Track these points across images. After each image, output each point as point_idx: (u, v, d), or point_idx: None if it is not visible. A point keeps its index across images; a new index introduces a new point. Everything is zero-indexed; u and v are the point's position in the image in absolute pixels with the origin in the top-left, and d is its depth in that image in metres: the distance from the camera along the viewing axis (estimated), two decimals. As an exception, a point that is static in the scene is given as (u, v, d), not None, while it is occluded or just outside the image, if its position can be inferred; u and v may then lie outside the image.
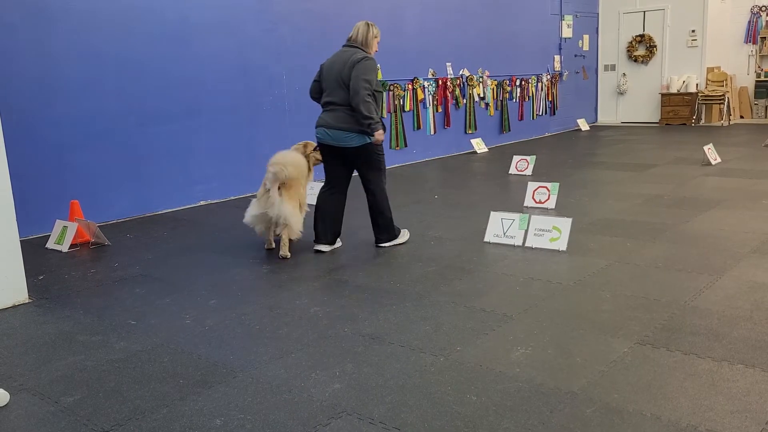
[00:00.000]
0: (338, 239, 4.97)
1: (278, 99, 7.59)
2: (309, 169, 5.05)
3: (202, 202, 6.96)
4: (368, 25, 4.77)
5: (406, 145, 9.21)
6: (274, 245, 4.98)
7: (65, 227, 5.30)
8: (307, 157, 5.00)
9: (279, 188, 4.61)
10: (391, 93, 8.86)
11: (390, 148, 9.01)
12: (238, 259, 4.74)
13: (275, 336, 3.30)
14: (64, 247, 5.20)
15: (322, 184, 4.94)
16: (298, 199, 4.74)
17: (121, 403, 2.68)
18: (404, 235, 5.02)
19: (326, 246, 4.85)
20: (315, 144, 5.01)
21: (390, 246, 4.90)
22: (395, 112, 8.97)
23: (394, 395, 2.64)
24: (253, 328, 3.42)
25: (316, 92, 4.82)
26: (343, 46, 4.78)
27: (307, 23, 7.83)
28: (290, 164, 4.62)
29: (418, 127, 9.40)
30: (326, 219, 4.82)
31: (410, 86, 9.16)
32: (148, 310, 3.79)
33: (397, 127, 9.04)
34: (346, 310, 3.62)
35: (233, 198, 7.19)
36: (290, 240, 4.76)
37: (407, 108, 9.16)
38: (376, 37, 4.77)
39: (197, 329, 3.45)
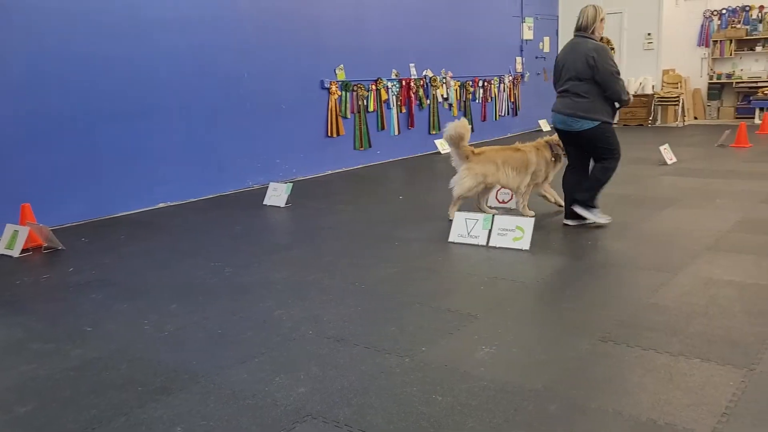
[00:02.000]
0: (596, 212, 5.12)
1: (240, 99, 7.51)
2: (556, 157, 5.53)
3: (162, 204, 6.83)
4: (595, 8, 4.97)
5: (370, 146, 9.20)
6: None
7: (16, 231, 5.13)
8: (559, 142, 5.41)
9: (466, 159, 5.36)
10: (354, 93, 8.84)
11: (354, 148, 9.00)
12: (200, 263, 4.66)
13: (238, 340, 3.25)
14: (15, 252, 5.04)
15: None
16: (473, 170, 5.36)
17: (76, 413, 2.60)
18: (600, 218, 5.10)
19: (572, 220, 5.18)
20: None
21: (581, 215, 5.06)
22: (359, 112, 8.96)
23: (359, 397, 2.62)
24: (215, 333, 3.36)
25: (555, 84, 5.21)
26: (575, 34, 5.04)
27: (269, 22, 7.75)
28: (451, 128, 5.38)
29: (382, 128, 9.40)
30: (567, 196, 5.21)
31: (374, 87, 9.16)
32: (104, 315, 3.69)
33: (361, 128, 9.02)
34: (310, 312, 3.59)
35: (194, 200, 7.07)
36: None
37: (371, 108, 9.15)
38: (603, 19, 4.97)
39: (157, 335, 3.37)
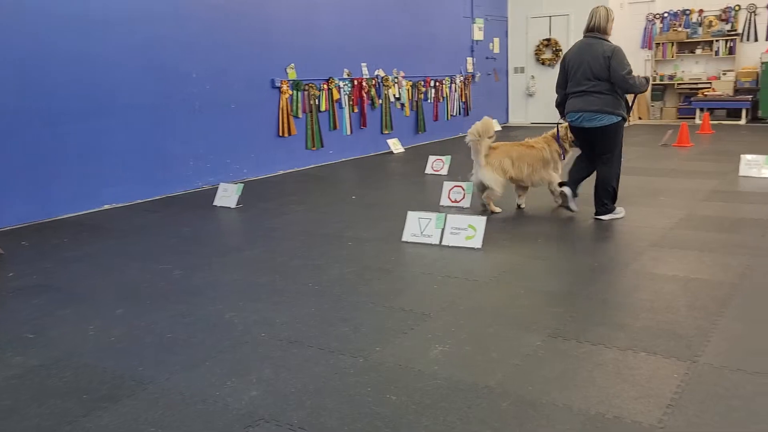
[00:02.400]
0: (575, 196, 5.50)
1: (188, 98, 7.36)
2: (566, 149, 5.76)
3: (107, 206, 6.63)
4: (607, 9, 5.21)
5: (322, 146, 9.15)
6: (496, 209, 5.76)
7: (-46, 235, 4.91)
8: (564, 137, 5.69)
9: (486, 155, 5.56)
10: (306, 93, 8.78)
11: (306, 148, 8.93)
12: (148, 266, 4.55)
13: (188, 344, 3.18)
14: (-47, 257, 4.82)
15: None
16: (493, 165, 5.58)
17: (17, 422, 2.49)
18: (620, 212, 5.38)
19: (604, 216, 5.34)
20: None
21: (608, 219, 5.31)
22: (311, 112, 8.90)
23: (313, 399, 2.59)
24: (163, 337, 3.28)
25: (561, 86, 5.38)
26: (585, 34, 5.25)
27: (219, 20, 7.62)
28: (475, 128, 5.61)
29: (335, 128, 9.36)
30: (570, 176, 5.49)
31: (325, 86, 9.11)
32: (47, 321, 3.56)
33: (312, 128, 8.96)
34: (262, 314, 3.54)
35: (141, 201, 6.89)
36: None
37: (323, 108, 9.10)
38: (613, 19, 5.23)
39: (102, 340, 3.27)
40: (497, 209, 5.74)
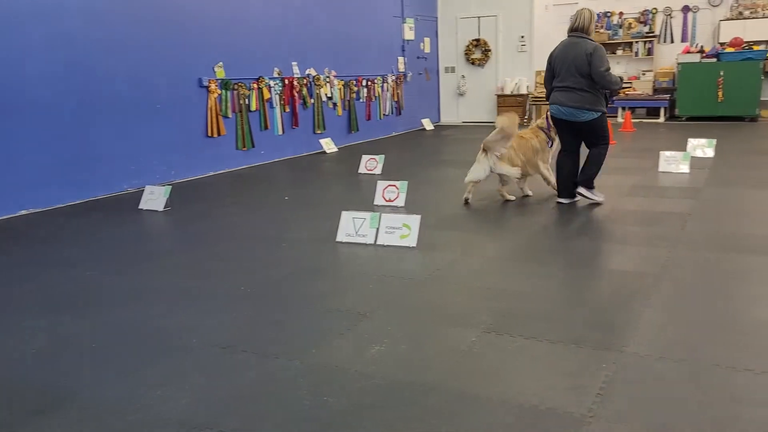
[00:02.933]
0: (576, 194, 5.78)
1: (111, 97, 7.07)
2: (552, 137, 6.09)
3: (24, 212, 6.29)
4: (590, 11, 5.61)
5: (253, 146, 9.00)
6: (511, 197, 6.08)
7: None
8: (548, 127, 6.06)
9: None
10: (235, 92, 8.61)
11: (236, 148, 8.76)
12: (70, 273, 4.35)
13: (116, 353, 3.06)
14: None
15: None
16: (507, 156, 5.85)
17: (-72, 446, 2.33)
18: (598, 197, 5.73)
19: (566, 199, 5.79)
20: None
21: (584, 195, 5.69)
22: (240, 111, 8.73)
23: (248, 405, 2.54)
24: (89, 347, 3.14)
25: (549, 81, 5.77)
26: (569, 34, 5.62)
27: (141, 17, 7.37)
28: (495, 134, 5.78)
29: (266, 128, 9.22)
30: (561, 176, 5.78)
31: (255, 85, 8.96)
32: (-39, 335, 3.34)
33: (243, 128, 8.80)
34: (194, 319, 3.44)
35: (62, 206, 6.58)
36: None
37: (253, 108, 8.95)
38: (595, 20, 5.63)
39: (24, 353, 3.10)
40: (511, 197, 6.09)
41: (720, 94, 11.66)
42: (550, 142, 6.14)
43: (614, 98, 5.66)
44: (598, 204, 5.72)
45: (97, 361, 2.98)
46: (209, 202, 6.60)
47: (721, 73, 11.64)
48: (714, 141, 8.23)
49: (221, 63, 8.40)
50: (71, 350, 3.11)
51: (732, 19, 12.47)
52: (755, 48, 11.78)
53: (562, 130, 5.78)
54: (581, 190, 5.72)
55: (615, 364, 2.76)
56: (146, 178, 7.40)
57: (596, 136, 5.63)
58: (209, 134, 8.29)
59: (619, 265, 4.12)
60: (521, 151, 5.99)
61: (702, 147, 8.17)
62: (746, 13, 12.40)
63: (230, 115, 8.58)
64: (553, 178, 6.12)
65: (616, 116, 13.01)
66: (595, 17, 5.64)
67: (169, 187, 6.39)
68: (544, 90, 5.92)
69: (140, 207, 6.31)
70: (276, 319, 3.42)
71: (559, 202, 5.84)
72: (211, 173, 8.38)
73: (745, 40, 11.97)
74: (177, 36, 7.82)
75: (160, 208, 6.20)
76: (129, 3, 7.22)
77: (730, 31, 12.30)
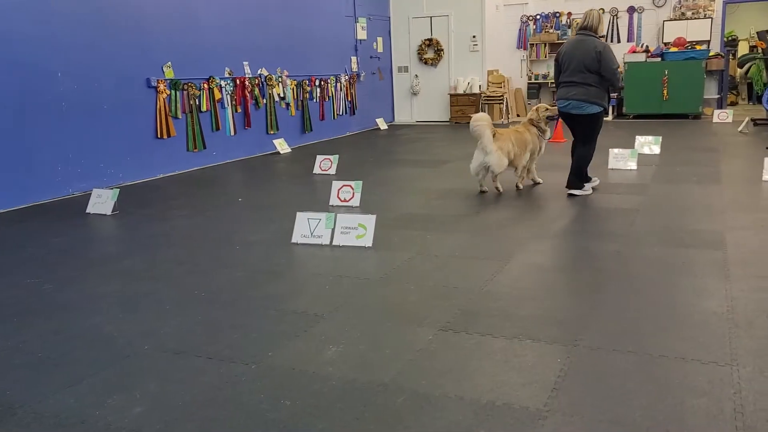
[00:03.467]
0: (587, 185, 6.09)
1: (54, 98, 6.84)
2: (545, 129, 6.47)
3: (-34, 218, 6.05)
4: (599, 12, 5.98)
5: (204, 147, 8.84)
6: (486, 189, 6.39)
7: None
8: (538, 119, 6.42)
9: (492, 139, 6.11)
10: (185, 92, 8.45)
11: (187, 150, 8.59)
12: (13, 281, 4.18)
13: (63, 362, 2.95)
14: None
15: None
16: (503, 147, 6.15)
17: None
18: (594, 183, 6.13)
19: (576, 190, 6.02)
20: (546, 106, 6.50)
21: (580, 194, 5.99)
22: (191, 112, 8.57)
23: (203, 411, 2.48)
24: (34, 357, 3.02)
25: (557, 77, 6.05)
26: (578, 32, 5.99)
27: (87, 15, 7.16)
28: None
29: (217, 128, 9.07)
30: (572, 166, 6.07)
31: (206, 85, 8.81)
32: None
33: (194, 129, 8.63)
34: (145, 325, 3.35)
35: (4, 211, 6.33)
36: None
37: (204, 108, 8.79)
38: (602, 21, 5.96)
39: (-37, 365, 2.96)
40: (485, 190, 6.40)
41: (665, 92, 12.02)
42: (541, 134, 6.45)
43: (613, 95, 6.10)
44: (574, 196, 6.01)
45: (42, 371, 2.87)
46: (160, 204, 6.46)
47: (666, 72, 12.00)
48: (660, 138, 8.47)
49: (170, 63, 8.23)
50: (14, 361, 2.99)
51: (675, 20, 12.88)
52: (698, 48, 12.19)
53: (569, 122, 6.08)
54: (575, 192, 6.01)
55: (569, 358, 2.81)
56: (93, 181, 7.19)
57: (591, 130, 5.96)
58: (159, 135, 8.11)
59: (572, 260, 4.20)
60: (518, 145, 6.28)
61: (649, 144, 8.40)
62: (688, 13, 12.83)
63: (180, 115, 8.41)
64: (535, 173, 6.65)
65: (566, 115, 13.27)
66: (603, 18, 5.99)
67: (117, 190, 6.22)
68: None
69: (87, 211, 6.12)
70: (231, 322, 3.36)
71: (570, 194, 6.12)
72: (161, 175, 8.20)
73: (687, 40, 12.37)
74: (124, 35, 7.62)
75: (108, 211, 6.03)
76: (73, 3, 7.00)
77: (674, 32, 12.70)
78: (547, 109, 6.49)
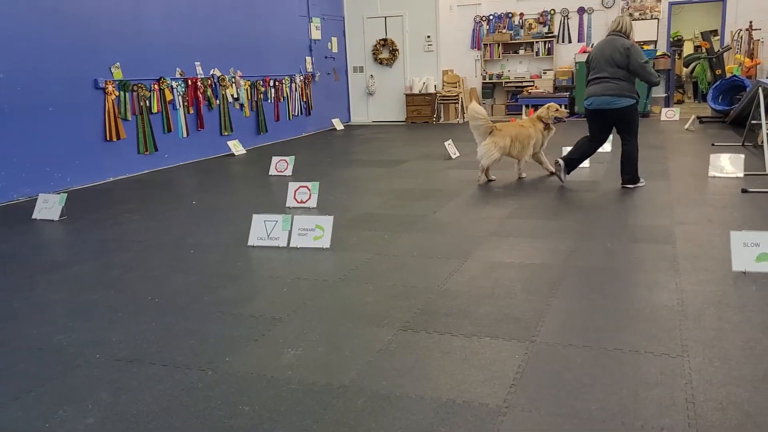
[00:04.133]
0: (570, 172, 6.48)
1: (-1, 100, 6.61)
2: (547, 127, 6.79)
3: None
4: (629, 18, 6.31)
5: (156, 150, 8.65)
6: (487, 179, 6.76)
7: None
8: (547, 117, 6.75)
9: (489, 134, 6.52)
10: (135, 94, 8.25)
11: (138, 153, 8.39)
12: (-44, 290, 4.01)
13: (8, 374, 2.84)
14: None
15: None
16: (498, 142, 6.50)
17: None
18: (642, 182, 6.24)
19: (564, 174, 6.39)
20: (557, 107, 6.85)
21: (633, 187, 6.16)
22: (141, 114, 8.37)
23: (158, 420, 2.42)
24: (-22, 370, 2.90)
25: (587, 75, 6.24)
26: (609, 35, 6.17)
27: (30, 15, 6.92)
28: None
29: (169, 130, 8.89)
30: (573, 154, 6.39)
31: (157, 86, 8.62)
32: None
33: (144, 131, 8.44)
34: (96, 334, 3.25)
35: (-54, 218, 6.08)
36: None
37: (155, 110, 8.60)
38: (633, 27, 6.23)
39: None
40: (492, 178, 6.79)
41: (614, 91, 12.29)
42: (547, 129, 6.77)
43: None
44: (629, 189, 6.19)
45: (-13, 384, 2.76)
46: (110, 209, 6.29)
47: (615, 72, 12.27)
48: (611, 137, 8.65)
49: (118, 63, 8.02)
50: (-43, 374, 2.86)
51: (622, 21, 13.19)
52: (645, 48, 12.51)
53: (594, 121, 6.22)
54: (629, 186, 6.23)
55: (527, 354, 2.84)
56: (39, 186, 6.95)
57: (628, 123, 6.06)
58: (108, 138, 7.90)
59: (528, 258, 4.25)
60: (518, 139, 6.57)
61: (599, 142, 8.56)
62: (636, 14, 13.16)
63: (130, 117, 8.21)
64: (547, 162, 6.92)
65: (521, 114, 13.47)
66: (634, 26, 6.30)
67: (65, 195, 6.03)
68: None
69: (34, 217, 5.91)
70: (186, 328, 3.29)
71: (556, 164, 6.47)
72: (111, 179, 7.99)
73: (635, 40, 12.68)
74: (70, 36, 7.40)
75: (56, 217, 5.84)
76: (16, 5, 6.75)
77: (621, 32, 13.00)
78: (557, 110, 6.82)
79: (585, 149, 6.38)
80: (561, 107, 6.96)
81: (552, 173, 6.80)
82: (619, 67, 5.94)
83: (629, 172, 6.19)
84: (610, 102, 6.00)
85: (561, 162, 6.40)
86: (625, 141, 6.15)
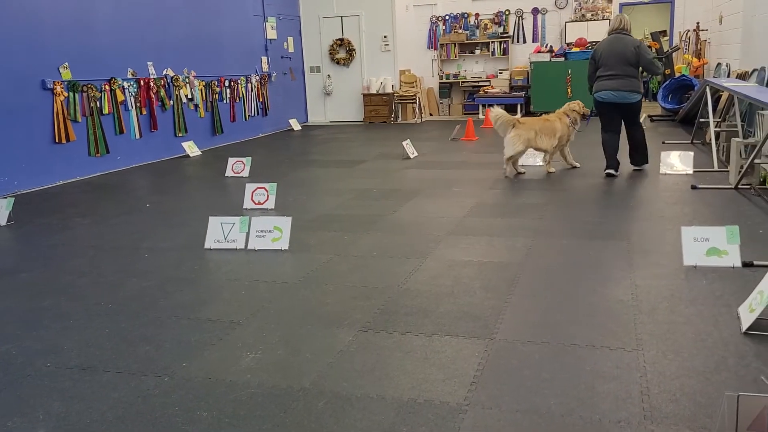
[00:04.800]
0: (619, 167, 6.79)
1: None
2: (574, 122, 7.03)
3: None
4: (627, 17, 6.82)
5: (108, 152, 8.43)
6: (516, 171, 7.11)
7: None
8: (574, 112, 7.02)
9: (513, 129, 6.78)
10: (85, 95, 8.02)
11: (89, 155, 8.16)
12: None
13: (-47, 387, 2.72)
14: None
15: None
16: (522, 135, 6.75)
17: None
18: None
19: (614, 170, 6.72)
20: (581, 104, 7.09)
21: (645, 167, 6.92)
22: (92, 115, 8.15)
23: (113, 429, 2.35)
24: None
25: (592, 75, 6.80)
26: (614, 33, 6.70)
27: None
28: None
29: (121, 132, 8.68)
30: (608, 151, 6.74)
31: (107, 87, 8.41)
32: None
33: (95, 132, 8.21)
34: (46, 342, 3.15)
35: None
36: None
37: (106, 111, 8.38)
38: (630, 23, 6.80)
39: None
40: (522, 171, 7.10)
41: (569, 90, 12.54)
42: (573, 125, 7.01)
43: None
44: (640, 171, 6.86)
45: (-71, 398, 2.64)
46: (59, 213, 6.10)
47: (569, 72, 12.52)
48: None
49: (67, 63, 7.80)
50: None
51: (576, 21, 13.47)
52: (596, 48, 12.78)
53: (609, 112, 6.70)
54: (642, 167, 6.91)
55: (486, 352, 2.86)
56: (-15, 190, 6.71)
57: (636, 114, 6.70)
58: (57, 140, 7.67)
59: (486, 256, 4.29)
60: (543, 132, 6.82)
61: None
62: (588, 15, 13.44)
63: (80, 119, 7.98)
64: (571, 157, 7.30)
65: (477, 113, 13.61)
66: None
67: (12, 199, 5.83)
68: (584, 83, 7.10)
69: (-21, 222, 5.70)
70: (141, 334, 3.21)
71: (608, 174, 6.71)
72: (61, 182, 7.76)
73: (588, 40, 12.96)
74: (14, 35, 7.15)
75: (3, 222, 5.64)
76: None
77: (575, 32, 13.28)
78: (583, 107, 7.10)
79: (612, 143, 6.76)
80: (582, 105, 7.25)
81: (574, 167, 7.25)
82: (630, 65, 6.52)
83: (643, 153, 6.85)
84: (626, 97, 6.58)
85: (612, 172, 6.73)
86: (634, 129, 6.74)
